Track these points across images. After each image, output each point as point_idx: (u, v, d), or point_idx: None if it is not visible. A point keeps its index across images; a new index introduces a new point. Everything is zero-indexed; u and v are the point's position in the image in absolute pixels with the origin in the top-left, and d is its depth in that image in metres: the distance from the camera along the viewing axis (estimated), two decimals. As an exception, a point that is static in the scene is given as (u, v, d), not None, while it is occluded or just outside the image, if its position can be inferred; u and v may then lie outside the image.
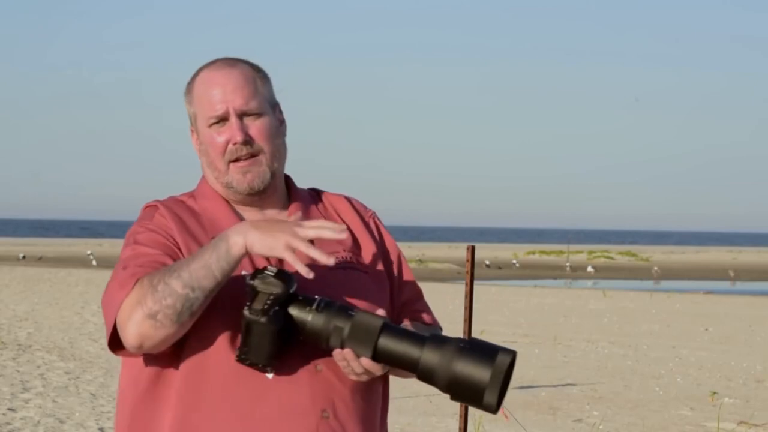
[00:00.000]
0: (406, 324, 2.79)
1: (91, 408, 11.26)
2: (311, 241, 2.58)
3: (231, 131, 2.75)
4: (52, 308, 22.90)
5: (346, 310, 2.57)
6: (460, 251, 74.50)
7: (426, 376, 2.55)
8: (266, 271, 2.57)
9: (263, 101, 2.80)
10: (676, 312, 28.20)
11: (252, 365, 2.60)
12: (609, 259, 74.28)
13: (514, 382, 14.75)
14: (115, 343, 2.65)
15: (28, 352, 15.55)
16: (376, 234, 2.92)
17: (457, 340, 2.56)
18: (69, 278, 33.81)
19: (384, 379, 2.83)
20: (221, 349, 2.64)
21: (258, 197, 2.80)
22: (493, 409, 2.52)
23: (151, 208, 2.81)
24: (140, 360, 2.70)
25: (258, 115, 2.78)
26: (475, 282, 8.39)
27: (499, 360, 2.51)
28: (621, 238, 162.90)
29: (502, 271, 58.11)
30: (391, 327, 2.57)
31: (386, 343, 2.55)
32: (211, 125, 2.78)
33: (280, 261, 2.67)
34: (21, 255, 58.38)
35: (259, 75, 2.83)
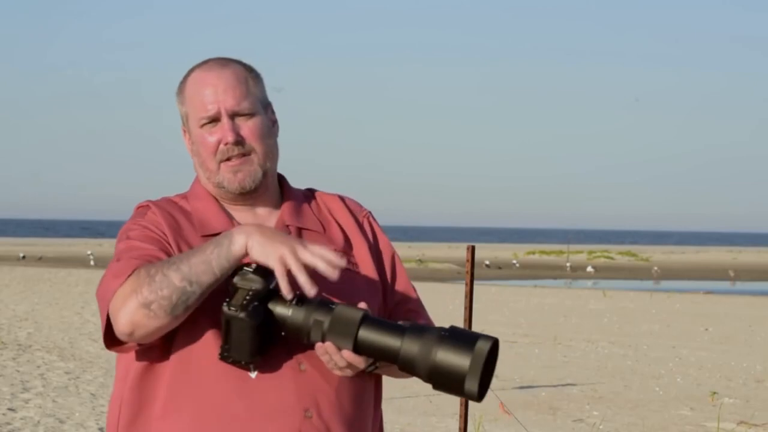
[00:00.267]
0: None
1: (91, 408, 11.26)
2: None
3: (222, 131, 2.75)
4: (52, 308, 22.90)
5: (326, 304, 2.57)
6: (460, 251, 74.49)
7: (407, 365, 2.55)
8: (246, 268, 2.57)
9: (255, 101, 2.80)
10: (676, 312, 28.20)
11: (234, 363, 2.59)
12: (609, 259, 74.27)
13: (514, 382, 14.75)
14: (110, 337, 2.65)
15: (28, 352, 15.55)
16: (369, 234, 2.91)
17: (438, 329, 2.56)
18: (69, 278, 33.82)
19: (375, 381, 2.82)
20: (206, 348, 2.64)
21: (249, 196, 2.80)
22: (475, 396, 2.51)
23: (143, 207, 2.81)
24: (131, 355, 2.70)
25: (250, 115, 2.78)
26: (475, 282, 8.39)
27: (478, 346, 2.50)
28: (621, 238, 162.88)
29: (502, 271, 58.11)
30: (371, 318, 2.57)
31: (366, 334, 2.55)
32: (202, 125, 2.77)
33: None
34: (21, 255, 58.40)
35: (251, 75, 2.82)
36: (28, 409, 11.09)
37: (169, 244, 2.71)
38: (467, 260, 7.88)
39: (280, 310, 2.58)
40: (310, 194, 2.93)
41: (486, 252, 75.54)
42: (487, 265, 59.90)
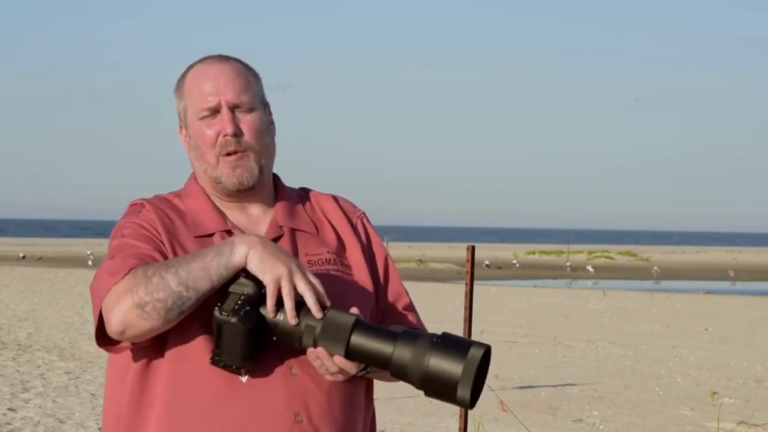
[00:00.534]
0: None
1: (91, 408, 11.26)
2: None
3: (222, 123, 2.74)
4: (52, 308, 22.91)
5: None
6: (460, 251, 74.51)
7: (399, 372, 2.54)
8: (238, 273, 2.56)
9: (255, 97, 2.79)
10: (676, 312, 28.20)
11: (226, 367, 2.58)
12: (609, 259, 74.28)
13: (514, 382, 14.75)
14: (102, 335, 2.63)
15: (28, 352, 15.55)
16: (363, 235, 2.89)
17: (431, 335, 2.54)
18: (69, 278, 33.82)
19: (366, 384, 2.81)
20: (198, 351, 2.63)
21: (245, 194, 2.78)
22: (467, 404, 2.50)
23: (137, 205, 2.79)
24: (126, 357, 2.69)
25: (250, 109, 2.77)
26: (475, 282, 8.39)
27: (471, 354, 2.49)
28: (621, 238, 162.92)
29: (502, 271, 58.12)
30: (363, 324, 2.56)
31: (359, 340, 2.54)
32: (202, 117, 2.76)
33: None
34: (21, 255, 58.41)
35: (251, 73, 2.82)
36: (28, 409, 11.09)
37: (163, 243, 2.69)
38: (467, 260, 7.88)
39: (271, 315, 2.57)
40: (303, 194, 2.91)
41: (486, 252, 75.54)
42: (487, 265, 59.91)
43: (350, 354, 2.55)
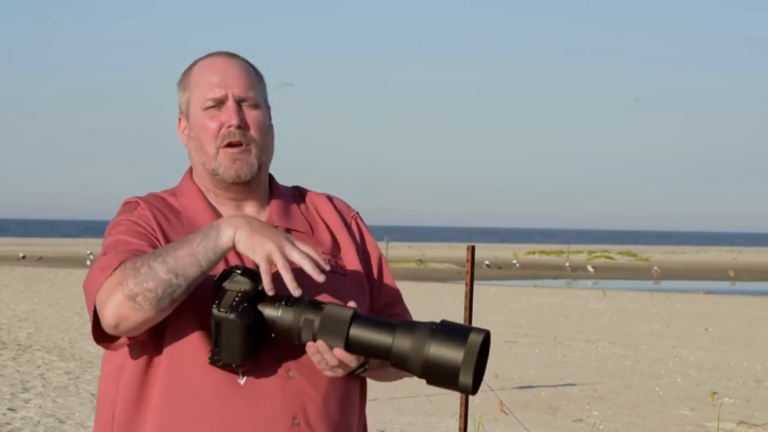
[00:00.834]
0: None
1: (91, 408, 11.26)
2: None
3: (227, 114, 2.73)
4: (52, 308, 22.91)
5: (316, 304, 2.56)
6: (460, 251, 74.50)
7: (399, 361, 2.53)
8: (235, 271, 2.56)
9: (260, 96, 2.79)
10: (676, 312, 28.20)
11: (225, 366, 2.58)
12: (609, 259, 74.29)
13: (514, 382, 14.75)
14: (98, 331, 2.63)
15: (28, 352, 15.55)
16: (357, 235, 2.89)
17: (429, 323, 2.54)
18: (69, 278, 33.82)
19: (361, 383, 2.81)
20: (194, 355, 2.62)
21: (241, 189, 2.78)
22: (470, 389, 2.49)
23: (132, 203, 2.78)
24: (121, 358, 2.68)
25: (255, 105, 2.77)
26: (475, 282, 8.39)
27: (471, 339, 2.49)
28: (621, 238, 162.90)
29: (502, 271, 58.12)
30: (361, 316, 2.56)
31: (358, 332, 2.53)
32: (206, 108, 2.75)
33: None
34: (21, 255, 58.41)
35: (258, 73, 2.83)
36: (28, 409, 11.09)
37: (158, 240, 2.68)
38: (467, 260, 7.88)
39: (269, 311, 2.56)
40: (297, 193, 2.91)
41: (486, 252, 75.55)
42: (487, 265, 59.92)
43: (350, 346, 2.54)
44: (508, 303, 30.00)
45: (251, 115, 2.75)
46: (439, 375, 2.50)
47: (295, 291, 2.52)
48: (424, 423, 11.46)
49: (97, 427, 2.74)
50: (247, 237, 2.52)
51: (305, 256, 2.53)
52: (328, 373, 2.61)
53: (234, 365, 2.57)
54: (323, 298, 2.66)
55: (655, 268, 61.65)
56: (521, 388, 14.27)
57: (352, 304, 2.58)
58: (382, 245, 55.74)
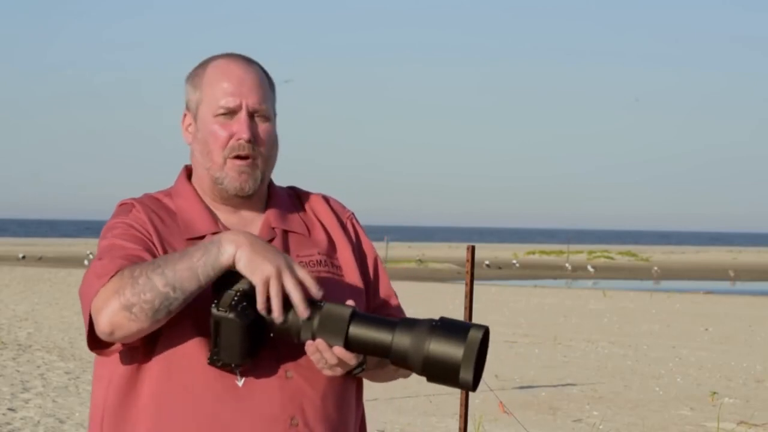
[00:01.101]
0: None
1: (91, 408, 11.27)
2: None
3: (239, 126, 2.70)
4: (52, 308, 22.91)
5: (314, 303, 2.56)
6: (460, 251, 74.51)
7: (399, 359, 2.53)
8: (233, 271, 2.56)
9: (272, 107, 2.77)
10: (676, 312, 28.21)
11: (224, 366, 2.57)
12: (609, 259, 74.30)
13: (514, 382, 14.75)
14: (93, 338, 2.61)
15: (28, 352, 15.55)
16: (353, 236, 2.88)
17: (429, 320, 2.54)
18: (69, 278, 33.81)
19: (357, 387, 2.81)
20: (191, 355, 2.61)
21: (241, 199, 2.77)
22: (470, 386, 2.49)
23: (127, 205, 2.76)
24: (114, 359, 2.67)
25: (266, 118, 2.74)
26: (475, 282, 8.40)
27: (471, 336, 2.49)
28: (621, 238, 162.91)
29: (502, 271, 58.13)
30: (360, 314, 2.56)
31: (357, 330, 2.53)
32: (218, 115, 2.73)
33: None
34: (21, 255, 58.41)
35: (270, 82, 2.80)
36: (28, 409, 11.09)
37: (154, 244, 2.67)
38: (467, 260, 7.88)
39: (263, 313, 2.56)
40: (294, 194, 2.90)
41: (486, 252, 75.55)
42: (487, 265, 59.93)
43: (350, 344, 2.54)
44: (508, 303, 30.01)
45: (262, 128, 2.73)
46: (440, 372, 2.50)
47: (278, 318, 2.53)
48: (424, 423, 11.46)
49: (91, 428, 2.73)
50: (248, 258, 2.51)
51: (297, 287, 2.52)
52: (327, 372, 2.60)
53: (233, 365, 2.57)
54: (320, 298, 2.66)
55: (655, 268, 61.66)
56: (521, 388, 14.27)
57: (350, 302, 2.58)
58: (382, 245, 55.78)
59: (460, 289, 34.39)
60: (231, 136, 2.71)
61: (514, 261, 67.00)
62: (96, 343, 2.62)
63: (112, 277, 2.55)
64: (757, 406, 13.49)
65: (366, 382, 2.85)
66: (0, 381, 12.78)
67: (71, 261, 55.39)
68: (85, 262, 51.70)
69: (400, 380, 2.91)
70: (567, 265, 63.14)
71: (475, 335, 2.49)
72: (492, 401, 11.39)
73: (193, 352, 2.61)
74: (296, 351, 2.63)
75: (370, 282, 2.86)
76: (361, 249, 2.88)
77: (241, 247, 2.52)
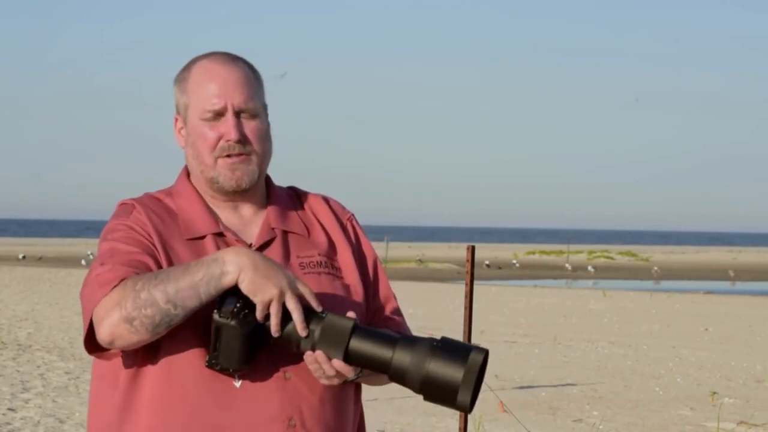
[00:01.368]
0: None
1: (91, 408, 11.27)
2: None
3: (226, 127, 2.71)
4: (52, 308, 22.92)
5: (316, 313, 2.56)
6: (460, 251, 74.51)
7: (398, 376, 2.54)
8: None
9: (259, 103, 2.77)
10: (676, 312, 28.21)
11: (222, 370, 2.58)
12: (609, 259, 74.31)
13: (514, 382, 14.75)
14: (90, 341, 2.62)
15: (28, 352, 15.55)
16: (352, 237, 2.88)
17: (429, 339, 2.55)
18: (69, 278, 33.82)
19: (356, 389, 2.81)
20: (191, 356, 2.62)
21: (240, 195, 2.77)
22: (467, 408, 2.50)
23: (127, 205, 2.76)
24: (117, 363, 2.68)
25: (254, 115, 2.74)
26: (475, 282, 8.40)
27: (471, 359, 2.49)
28: (621, 238, 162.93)
29: (502, 271, 58.14)
30: (361, 328, 2.56)
31: (358, 344, 2.54)
32: (204, 119, 2.73)
33: None
34: (21, 255, 58.41)
35: (256, 76, 2.79)
36: (28, 409, 11.09)
37: (154, 246, 2.67)
38: (467, 260, 7.89)
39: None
40: (294, 194, 2.89)
41: (486, 252, 75.56)
42: (487, 265, 59.93)
43: (349, 358, 2.55)
44: (508, 303, 30.01)
45: (250, 126, 2.73)
46: (438, 392, 2.51)
47: (275, 333, 2.55)
48: (424, 423, 11.46)
49: (90, 428, 2.73)
50: (251, 280, 2.52)
51: (299, 306, 2.54)
52: (324, 382, 2.61)
53: (231, 370, 2.57)
54: (320, 299, 2.65)
55: (655, 268, 61.67)
56: (521, 388, 14.27)
57: (351, 314, 2.58)
58: (382, 245, 55.76)
59: (460, 289, 34.38)
60: (220, 138, 2.71)
61: (514, 261, 67.00)
62: (94, 346, 2.63)
63: (114, 287, 2.56)
64: (757, 406, 13.49)
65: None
66: (0, 381, 12.79)
67: (71, 261, 55.39)
68: (83, 263, 51.67)
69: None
70: (567, 265, 63.14)
71: (475, 358, 2.50)
72: (492, 401, 11.39)
73: (192, 354, 2.62)
74: (295, 353, 2.63)
75: (370, 284, 2.85)
76: (361, 251, 2.88)
77: (244, 271, 2.53)
